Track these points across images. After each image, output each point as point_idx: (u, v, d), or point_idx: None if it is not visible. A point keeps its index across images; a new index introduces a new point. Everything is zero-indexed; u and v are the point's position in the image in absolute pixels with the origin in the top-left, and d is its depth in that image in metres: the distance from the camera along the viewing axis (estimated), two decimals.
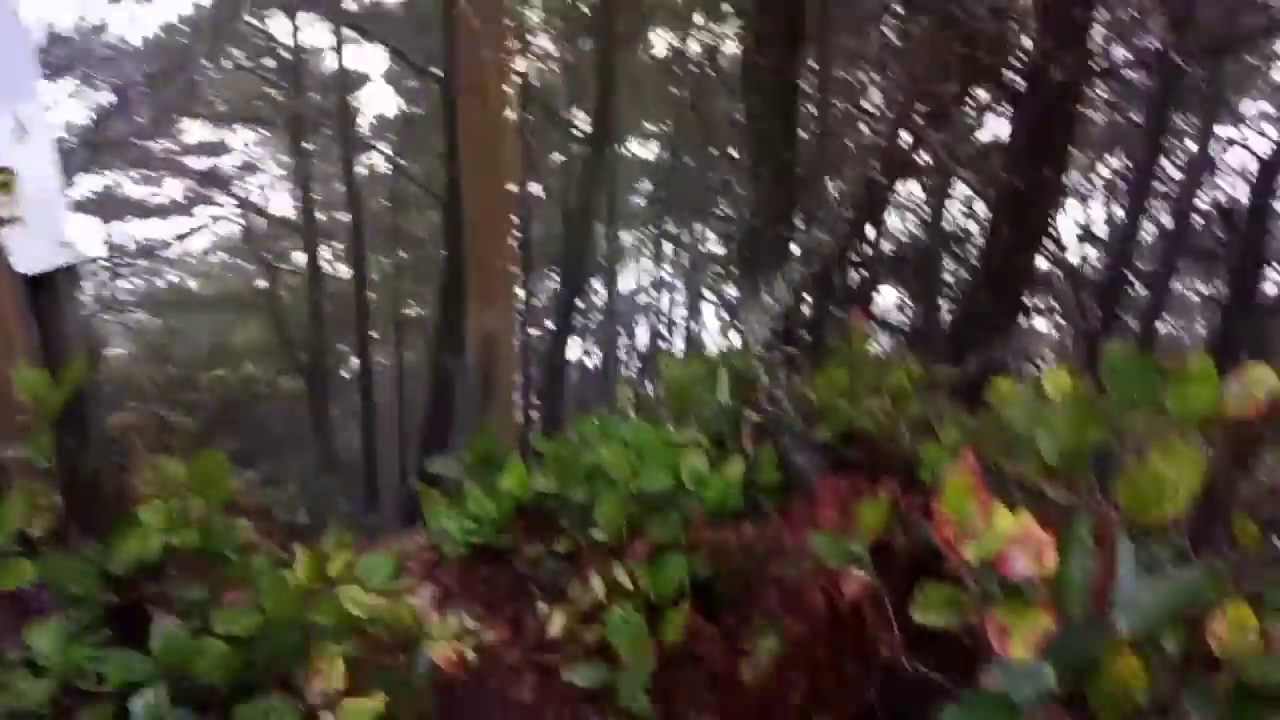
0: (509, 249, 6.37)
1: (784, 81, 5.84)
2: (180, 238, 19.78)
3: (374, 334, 21.25)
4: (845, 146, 7.72)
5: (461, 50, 5.62)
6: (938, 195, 9.08)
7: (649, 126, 24.21)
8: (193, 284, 24.20)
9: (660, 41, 21.52)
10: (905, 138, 5.52)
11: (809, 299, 6.04)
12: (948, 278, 8.89)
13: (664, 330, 25.12)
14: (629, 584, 2.83)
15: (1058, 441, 2.65)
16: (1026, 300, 6.97)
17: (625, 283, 25.28)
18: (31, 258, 3.22)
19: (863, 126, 8.77)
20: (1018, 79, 6.32)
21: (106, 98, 18.22)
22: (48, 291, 3.32)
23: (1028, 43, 6.10)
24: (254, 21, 19.92)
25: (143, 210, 21.44)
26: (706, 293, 23.33)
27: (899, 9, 7.68)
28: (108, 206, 20.52)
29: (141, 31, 18.89)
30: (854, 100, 8.69)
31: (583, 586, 2.81)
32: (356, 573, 2.74)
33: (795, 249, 5.35)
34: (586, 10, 18.34)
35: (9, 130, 3.31)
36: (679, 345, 24.48)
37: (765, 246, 5.27)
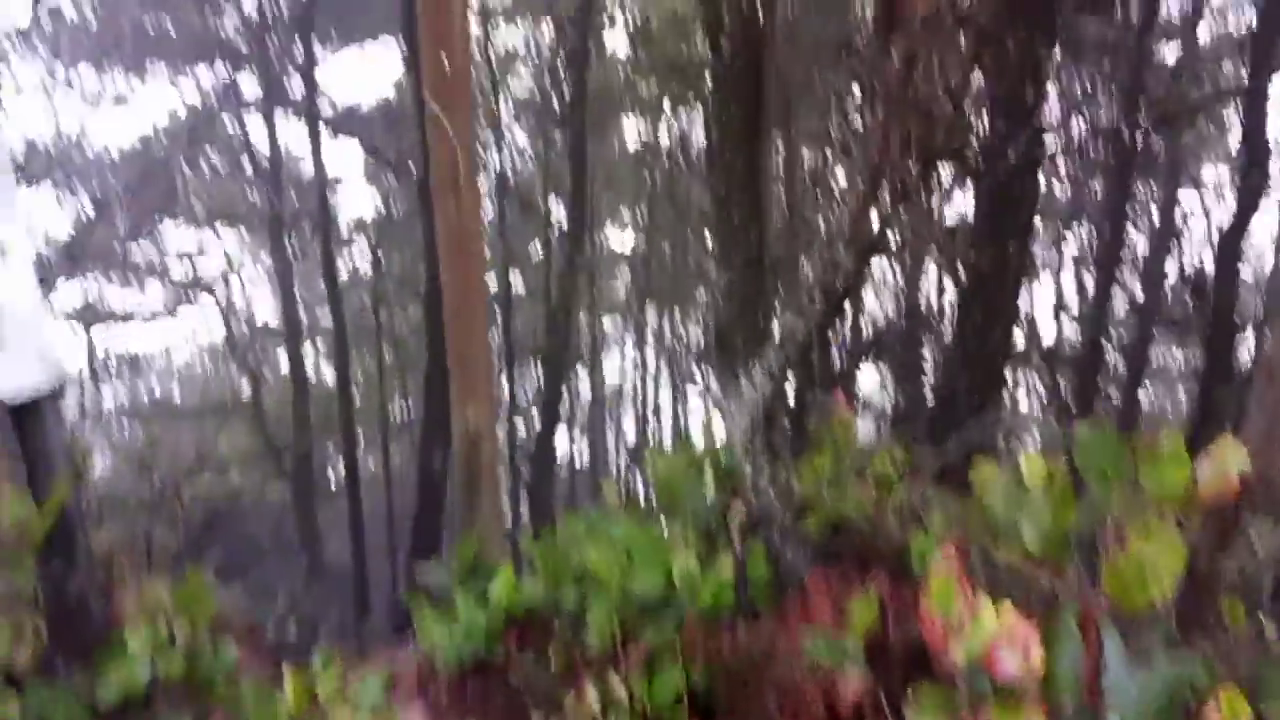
0: (488, 343, 6.41)
1: (748, 167, 5.99)
2: (164, 346, 19.82)
3: (359, 435, 21.13)
4: (814, 228, 7.89)
5: (434, 148, 5.74)
6: (909, 274, 9.25)
7: (624, 214, 24.68)
8: (175, 390, 24.10)
9: (632, 130, 22.13)
10: (871, 219, 5.64)
11: (788, 385, 6.09)
12: (926, 356, 9.01)
13: (650, 420, 25.13)
14: (624, 695, 2.80)
15: (1039, 527, 2.67)
16: (1005, 377, 7.05)
17: (609, 373, 25.37)
18: (14, 382, 3.24)
19: (829, 208, 8.98)
20: (977, 158, 6.50)
21: (86, 206, 18.43)
22: (31, 412, 3.33)
23: (986, 123, 6.30)
24: (231, 124, 20.33)
25: (125, 317, 21.49)
26: (691, 380, 23.45)
27: (856, 94, 7.93)
28: (89, 314, 20.55)
29: (119, 141, 19.20)
30: (819, 182, 8.91)
31: (578, 699, 2.77)
32: (346, 694, 2.71)
33: (772, 335, 5.42)
34: (557, 102, 18.87)
35: None
36: (666, 435, 24.45)
37: (740, 333, 5.35)
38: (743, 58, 5.39)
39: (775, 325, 5.27)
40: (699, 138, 20.31)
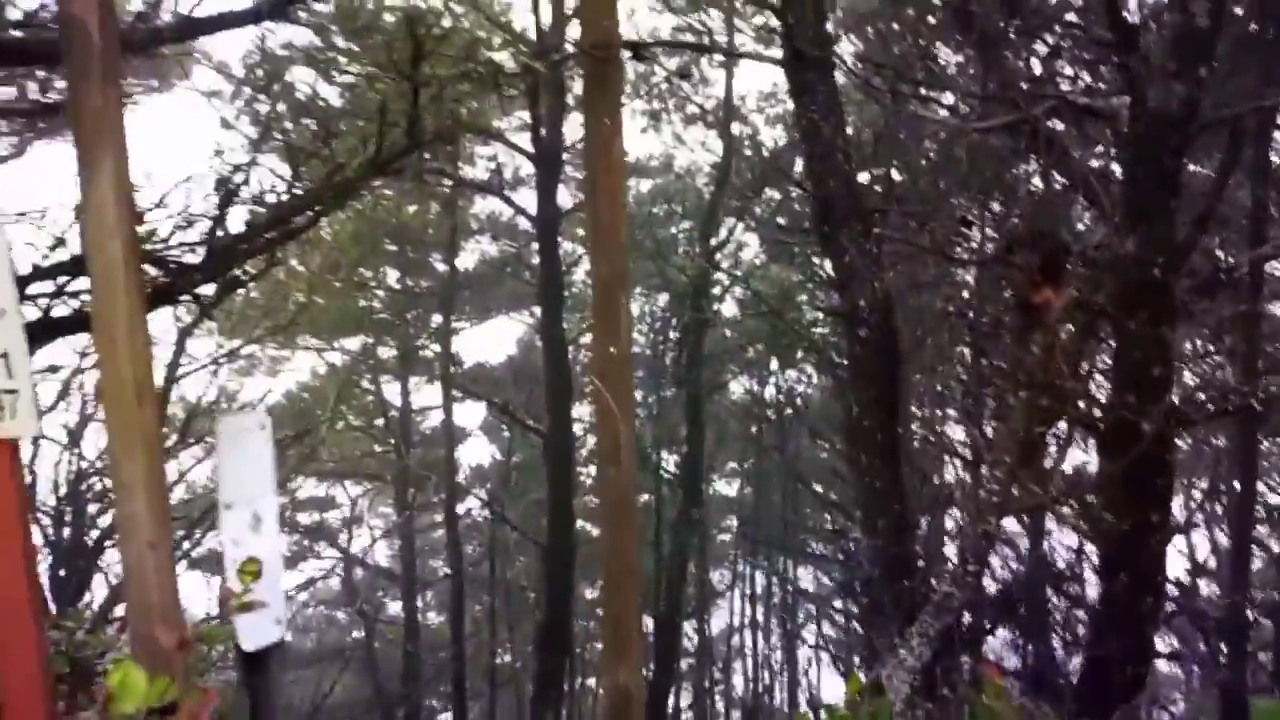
0: (639, 606, 6.67)
1: (887, 439, 6.35)
2: (293, 591, 20.46)
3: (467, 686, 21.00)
4: (947, 494, 8.11)
5: (598, 424, 6.33)
6: (1036, 534, 9.28)
7: (732, 465, 25.12)
8: (290, 637, 24.48)
9: (738, 386, 23.02)
10: (1012, 486, 5.87)
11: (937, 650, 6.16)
12: (1062, 619, 8.88)
13: (761, 673, 24.29)
14: None
15: None
16: (1155, 644, 6.92)
17: (717, 623, 24.90)
18: (254, 636, 3.69)
19: (957, 473, 9.23)
20: (1108, 428, 6.69)
21: None
22: (260, 665, 3.75)
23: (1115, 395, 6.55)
24: (369, 386, 21.90)
25: None
26: (803, 633, 22.87)
27: (967, 356, 8.36)
28: (218, 563, 21.35)
29: (268, 400, 20.76)
30: (945, 448, 9.19)
31: None
32: None
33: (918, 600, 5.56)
34: (670, 361, 19.99)
35: (248, 523, 3.93)
36: (778, 690, 23.54)
37: (892, 599, 5.51)
38: (878, 337, 5.91)
39: (925, 591, 5.45)
40: (803, 392, 21.06)
